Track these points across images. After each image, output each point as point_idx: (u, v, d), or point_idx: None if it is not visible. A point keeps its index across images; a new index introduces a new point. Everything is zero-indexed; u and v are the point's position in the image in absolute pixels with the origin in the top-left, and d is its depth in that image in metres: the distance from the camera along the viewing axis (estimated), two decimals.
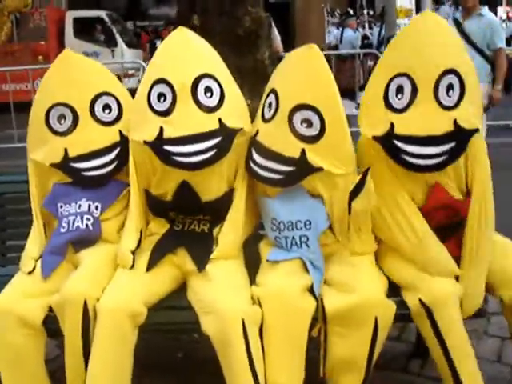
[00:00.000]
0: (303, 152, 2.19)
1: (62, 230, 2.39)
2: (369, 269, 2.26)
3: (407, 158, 2.17)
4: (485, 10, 5.85)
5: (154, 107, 2.23)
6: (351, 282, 2.17)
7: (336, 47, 14.03)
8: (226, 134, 2.21)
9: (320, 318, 2.18)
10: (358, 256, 2.30)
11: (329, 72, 2.22)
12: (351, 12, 16.14)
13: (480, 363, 2.21)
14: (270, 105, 2.29)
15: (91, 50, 14.30)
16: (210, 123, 2.20)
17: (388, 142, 2.19)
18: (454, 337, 2.14)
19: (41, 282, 2.30)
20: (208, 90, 2.23)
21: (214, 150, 2.19)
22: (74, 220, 2.39)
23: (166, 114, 2.21)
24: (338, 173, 2.23)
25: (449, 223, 2.29)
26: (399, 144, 2.17)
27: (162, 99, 2.22)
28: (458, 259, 2.25)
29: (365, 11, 16.18)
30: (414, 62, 2.18)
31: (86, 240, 2.39)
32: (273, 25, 5.65)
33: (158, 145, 2.20)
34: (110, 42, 14.66)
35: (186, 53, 2.29)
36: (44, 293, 2.25)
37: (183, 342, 2.92)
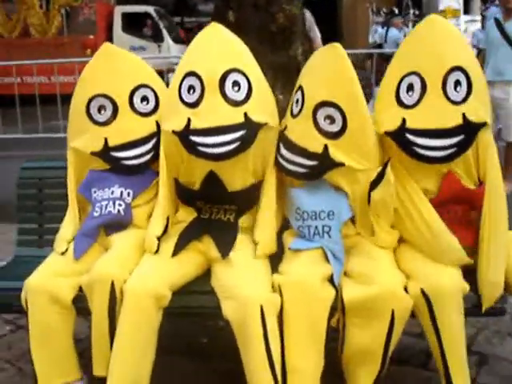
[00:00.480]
0: (326, 147, 2.26)
1: (95, 214, 2.50)
2: (388, 262, 2.30)
3: (418, 150, 2.26)
4: None
5: (184, 99, 2.33)
6: (370, 274, 2.22)
7: (380, 46, 13.93)
8: (250, 128, 2.28)
9: (339, 308, 2.23)
10: (378, 249, 2.35)
11: (352, 70, 2.28)
12: (396, 11, 16.01)
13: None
14: (298, 101, 2.36)
15: (138, 44, 14.55)
16: (235, 116, 2.28)
17: (400, 135, 2.28)
18: (449, 331, 2.19)
19: (73, 262, 2.40)
20: (236, 84, 2.30)
21: (238, 143, 2.27)
22: (106, 205, 2.49)
23: (194, 105, 2.30)
24: (359, 168, 2.30)
25: (465, 215, 2.34)
26: (411, 137, 2.26)
27: (191, 91, 2.31)
28: (471, 249, 2.29)
29: (410, 11, 16.04)
30: (423, 61, 2.29)
31: (117, 224, 2.49)
32: (314, 23, 5.67)
33: (184, 135, 2.29)
34: (157, 37, 14.86)
35: (216, 47, 2.37)
36: (75, 273, 2.35)
37: (209, 328, 3.00)
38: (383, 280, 2.18)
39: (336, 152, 2.26)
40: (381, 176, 2.26)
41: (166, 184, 2.44)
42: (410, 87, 2.28)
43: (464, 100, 2.25)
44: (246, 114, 2.28)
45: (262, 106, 2.38)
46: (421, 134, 2.25)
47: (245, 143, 2.29)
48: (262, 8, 2.99)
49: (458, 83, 2.25)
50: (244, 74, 2.33)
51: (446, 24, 2.39)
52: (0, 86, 7.86)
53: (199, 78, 2.30)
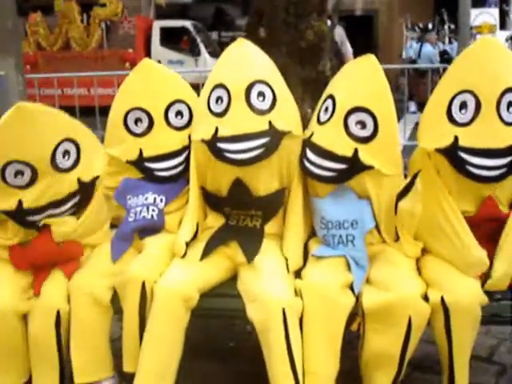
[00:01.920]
0: (356, 151, 2.35)
1: (130, 220, 2.63)
2: (408, 269, 2.38)
3: (471, 168, 2.32)
4: None
5: (212, 109, 2.46)
6: (389, 281, 2.30)
7: (415, 61, 13.95)
8: (274, 135, 2.40)
9: (360, 313, 2.32)
10: (400, 256, 2.43)
11: (384, 79, 2.39)
12: (430, 27, 16.00)
13: None
14: (327, 109, 2.45)
15: (176, 58, 14.80)
16: (260, 124, 2.39)
17: (453, 153, 2.34)
18: (462, 343, 2.27)
19: (110, 264, 2.53)
20: (261, 94, 2.42)
21: (262, 149, 2.38)
22: (140, 210, 2.62)
23: (221, 115, 2.43)
24: (386, 173, 2.39)
25: (495, 233, 2.40)
26: (464, 155, 2.32)
27: (219, 102, 2.44)
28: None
29: (446, 26, 16.02)
30: (478, 81, 2.34)
31: (150, 229, 2.61)
32: (345, 37, 5.76)
33: (212, 143, 2.42)
34: (194, 51, 15.07)
35: (242, 61, 2.51)
36: (112, 274, 2.48)
37: (236, 332, 3.11)
38: (401, 287, 2.25)
39: (366, 155, 2.35)
40: (409, 187, 2.35)
41: (195, 192, 2.56)
42: (463, 105, 2.33)
43: None
44: (270, 122, 2.40)
45: (286, 115, 2.49)
46: (474, 153, 2.30)
47: (268, 149, 2.40)
48: (291, 25, 3.11)
49: (510, 104, 2.31)
50: (268, 85, 2.45)
51: (500, 45, 2.46)
52: (41, 97, 8.13)
53: (226, 89, 2.43)
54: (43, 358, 2.46)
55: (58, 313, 2.42)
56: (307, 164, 2.45)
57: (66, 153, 2.55)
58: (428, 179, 2.40)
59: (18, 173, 2.44)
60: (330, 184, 2.46)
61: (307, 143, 2.48)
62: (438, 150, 2.37)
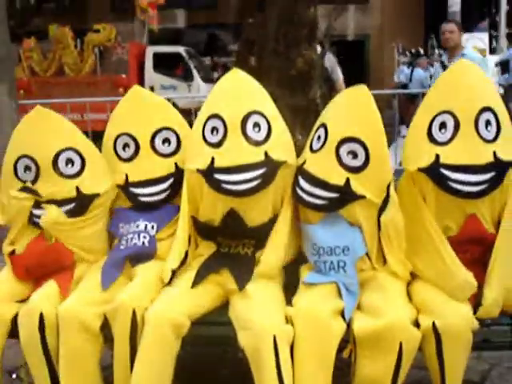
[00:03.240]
0: (347, 180, 2.38)
1: (122, 247, 2.65)
2: (398, 295, 2.39)
3: (453, 184, 2.37)
4: (467, 49, 5.70)
5: (208, 139, 2.49)
6: (379, 307, 2.30)
7: (406, 86, 14.08)
8: (270, 166, 2.43)
9: (351, 340, 2.32)
10: (390, 282, 2.44)
11: (377, 110, 2.42)
12: (421, 51, 16.18)
13: None
14: (319, 137, 2.49)
15: (169, 83, 14.90)
16: (256, 155, 2.42)
17: (435, 171, 2.39)
18: (454, 368, 2.27)
19: (100, 291, 2.53)
20: (256, 125, 2.46)
21: (259, 180, 2.41)
22: (132, 238, 2.64)
23: (217, 145, 2.46)
24: (378, 202, 2.41)
25: (482, 257, 2.43)
26: (446, 172, 2.37)
27: (214, 132, 2.47)
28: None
29: (436, 51, 16.19)
30: (455, 101, 2.42)
31: (142, 256, 2.63)
32: (336, 64, 5.82)
33: (209, 173, 2.44)
34: (187, 77, 15.17)
35: (237, 91, 2.55)
36: (103, 302, 2.48)
37: (228, 359, 3.10)
38: (391, 313, 2.26)
39: (357, 185, 2.38)
40: (386, 200, 2.39)
41: (185, 220, 2.57)
42: (443, 125, 2.40)
43: (494, 139, 2.38)
44: (266, 153, 2.42)
45: (281, 145, 2.52)
46: (455, 169, 2.36)
47: (266, 180, 2.43)
48: (281, 53, 3.15)
49: (488, 123, 2.38)
50: (264, 116, 2.48)
51: (476, 67, 2.55)
52: None
53: (222, 119, 2.46)
54: (32, 361, 2.47)
55: (42, 315, 2.42)
56: (299, 191, 2.47)
57: (70, 161, 2.65)
58: (413, 203, 2.45)
59: (27, 168, 2.63)
60: (321, 212, 2.48)
61: (299, 171, 2.50)
62: (421, 170, 2.41)
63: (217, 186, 2.44)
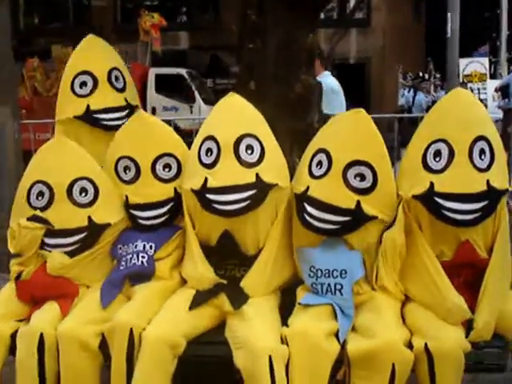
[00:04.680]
0: (358, 203, 2.42)
1: (121, 268, 2.69)
2: (391, 317, 2.42)
3: (447, 213, 2.40)
4: (326, 75, 5.66)
5: (202, 160, 2.54)
6: (372, 328, 2.34)
7: (410, 109, 14.16)
8: (261, 188, 2.47)
9: (345, 361, 2.35)
10: (384, 304, 2.47)
11: (377, 131, 2.49)
12: (426, 76, 16.29)
13: None
14: (320, 163, 2.51)
15: (170, 105, 14.95)
16: (247, 177, 2.47)
17: (429, 199, 2.42)
18: None
19: (100, 310, 2.57)
20: (249, 147, 2.51)
21: (249, 201, 2.45)
22: (131, 258, 2.68)
23: (211, 166, 2.51)
24: (388, 220, 2.47)
25: (475, 280, 2.46)
26: (440, 201, 2.40)
27: (209, 153, 2.53)
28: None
29: (432, 75, 16.33)
30: (450, 130, 2.46)
31: (141, 275, 2.67)
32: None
33: (201, 193, 2.50)
34: (189, 98, 15.22)
35: (233, 114, 2.61)
36: (101, 320, 2.51)
37: (225, 380, 3.11)
38: (384, 334, 2.30)
39: (368, 207, 2.42)
40: (394, 218, 2.46)
41: (195, 238, 2.61)
42: (438, 153, 2.43)
43: (488, 167, 2.40)
44: (257, 175, 2.47)
45: (274, 168, 2.56)
46: (449, 198, 2.39)
47: (256, 201, 2.47)
48: (280, 78, 3.20)
49: (482, 152, 2.40)
50: (257, 139, 2.54)
51: (470, 96, 2.62)
52: (36, 141, 8.21)
53: (216, 141, 2.52)
54: (23, 381, 2.48)
55: (42, 336, 2.44)
56: (308, 218, 2.48)
57: (84, 190, 2.69)
58: (407, 228, 2.49)
59: (39, 194, 2.67)
60: (332, 236, 2.51)
61: (304, 198, 2.51)
62: (415, 197, 2.45)
63: (208, 205, 2.50)
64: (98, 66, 3.03)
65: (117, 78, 3.05)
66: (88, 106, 2.95)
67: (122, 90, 3.05)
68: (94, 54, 3.09)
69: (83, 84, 2.99)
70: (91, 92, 2.98)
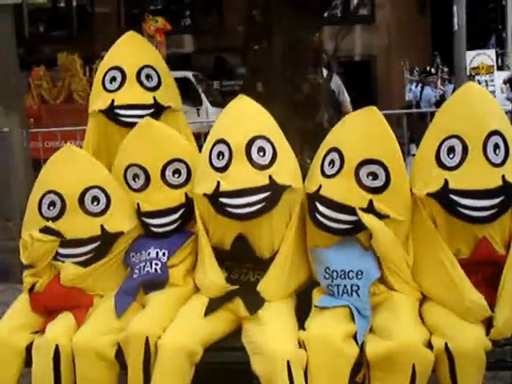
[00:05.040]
0: (371, 202, 2.39)
1: (135, 276, 2.67)
2: (410, 317, 2.39)
3: (463, 210, 2.37)
4: None
5: (214, 164, 2.51)
6: (391, 329, 2.31)
7: (418, 104, 14.09)
8: (274, 190, 2.44)
9: (364, 363, 2.32)
10: (403, 304, 2.43)
11: (390, 130, 2.46)
12: (432, 70, 16.20)
13: None
14: (332, 162, 2.49)
15: None
16: (260, 179, 2.44)
17: (444, 196, 2.39)
18: None
19: (114, 319, 2.55)
20: (261, 149, 2.48)
21: (263, 203, 2.43)
22: (144, 266, 2.66)
23: (223, 170, 2.48)
24: (402, 219, 2.44)
25: (494, 277, 2.43)
26: (455, 198, 2.37)
27: (220, 157, 2.50)
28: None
29: (440, 69, 16.24)
30: (463, 125, 2.42)
31: (155, 283, 2.64)
32: (343, 86, 5.85)
33: (214, 197, 2.47)
34: (196, 101, 15.20)
35: (243, 117, 2.58)
36: (117, 330, 2.49)
37: None
38: (404, 335, 2.26)
39: (380, 205, 2.40)
40: None
41: (208, 244, 2.59)
42: (451, 150, 2.40)
43: (503, 162, 2.37)
44: (270, 177, 2.44)
45: (286, 169, 2.53)
46: (464, 195, 2.36)
47: (270, 204, 2.44)
48: (288, 79, 3.18)
49: (496, 146, 2.37)
50: (269, 141, 2.50)
51: (483, 90, 2.60)
52: (45, 150, 8.24)
53: (228, 144, 2.49)
54: None
55: (57, 347, 2.43)
56: (320, 218, 2.47)
57: (95, 199, 2.66)
58: (422, 226, 2.47)
59: (51, 204, 2.64)
60: (344, 236, 2.49)
61: (316, 197, 2.49)
62: (430, 195, 2.42)
63: (221, 209, 2.47)
64: (130, 62, 2.99)
65: (148, 76, 2.98)
66: (113, 100, 2.93)
67: (152, 89, 2.98)
68: (128, 49, 3.06)
69: (113, 79, 2.97)
70: (119, 88, 2.96)
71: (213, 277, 2.54)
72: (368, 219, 2.38)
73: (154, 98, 2.96)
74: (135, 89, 2.96)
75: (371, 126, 2.47)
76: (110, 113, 2.95)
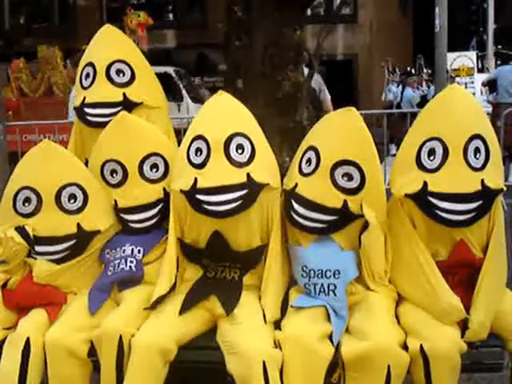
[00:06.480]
0: (345, 202, 2.39)
1: (109, 273, 2.63)
2: (386, 318, 2.38)
3: (441, 213, 2.36)
4: None
5: (192, 160, 2.48)
6: (366, 330, 2.30)
7: (398, 105, 14.14)
8: (252, 187, 2.42)
9: (340, 363, 2.31)
10: (378, 305, 2.43)
11: (368, 132, 2.44)
12: (412, 71, 16.30)
13: None
14: (309, 160, 2.48)
15: None
16: (238, 177, 2.41)
17: (422, 198, 2.39)
18: None
19: (87, 317, 2.51)
20: (240, 147, 2.45)
21: (240, 201, 2.40)
22: (118, 263, 2.62)
23: (200, 166, 2.45)
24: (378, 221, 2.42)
25: (470, 279, 2.43)
26: (433, 200, 2.37)
27: (198, 153, 2.46)
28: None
29: (423, 70, 16.34)
30: (445, 128, 2.41)
31: (129, 280, 2.61)
32: (323, 85, 5.83)
33: (191, 194, 2.43)
34: (177, 97, 15.14)
35: (222, 113, 2.55)
36: (90, 327, 2.45)
37: None
38: (379, 335, 2.26)
39: (355, 206, 2.39)
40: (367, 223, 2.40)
41: (173, 243, 2.56)
42: (432, 152, 2.39)
43: (483, 167, 2.37)
44: (248, 175, 2.42)
45: (265, 167, 2.51)
46: (443, 198, 2.35)
47: (246, 201, 2.42)
48: (268, 76, 3.16)
49: (477, 150, 2.36)
50: (247, 138, 2.48)
51: (466, 93, 2.57)
52: (23, 143, 8.18)
53: (206, 141, 2.46)
54: None
55: (28, 341, 2.38)
56: (295, 216, 2.46)
57: (73, 196, 2.61)
58: (400, 226, 2.46)
59: (26, 200, 2.59)
60: (318, 235, 2.48)
61: (292, 195, 2.48)
62: (408, 196, 2.42)
63: (198, 206, 2.44)
64: (100, 57, 2.90)
65: (119, 72, 2.87)
66: (84, 98, 2.87)
67: (123, 85, 2.87)
68: (101, 44, 2.97)
69: (87, 76, 2.90)
70: (90, 85, 2.89)
71: (158, 285, 2.50)
72: (370, 214, 2.38)
73: (124, 94, 2.87)
74: (104, 85, 2.87)
75: (349, 126, 2.45)
76: (80, 111, 2.90)
